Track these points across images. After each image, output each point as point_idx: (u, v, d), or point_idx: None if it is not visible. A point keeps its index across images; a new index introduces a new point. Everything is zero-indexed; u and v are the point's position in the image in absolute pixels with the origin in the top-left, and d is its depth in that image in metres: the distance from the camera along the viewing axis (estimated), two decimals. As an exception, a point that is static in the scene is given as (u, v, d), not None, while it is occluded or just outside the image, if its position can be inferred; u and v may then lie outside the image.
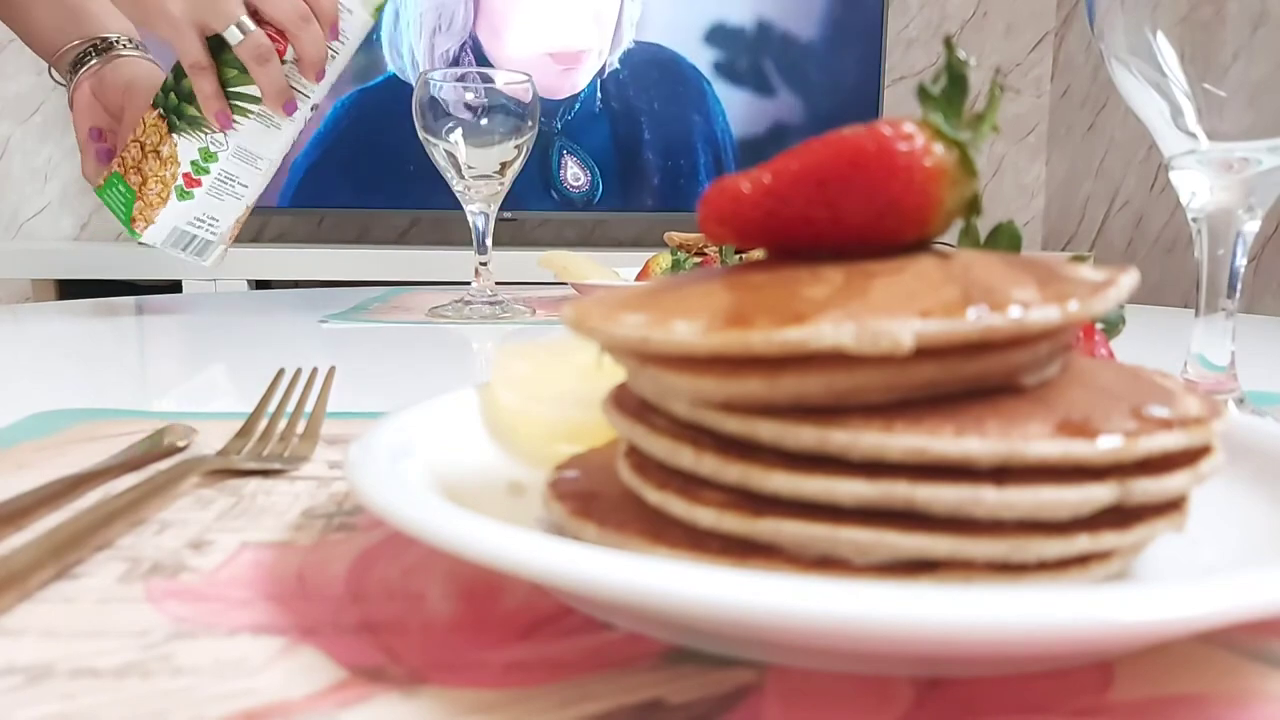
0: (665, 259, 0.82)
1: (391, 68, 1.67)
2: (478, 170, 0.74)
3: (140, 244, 0.71)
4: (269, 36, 0.65)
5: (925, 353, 0.15)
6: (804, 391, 0.16)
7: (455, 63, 1.69)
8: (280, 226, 1.99)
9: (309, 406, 0.34)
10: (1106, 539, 0.16)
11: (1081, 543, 0.16)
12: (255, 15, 0.64)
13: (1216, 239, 0.34)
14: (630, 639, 0.17)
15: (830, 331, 0.15)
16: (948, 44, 0.19)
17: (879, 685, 0.16)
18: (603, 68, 1.76)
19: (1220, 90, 0.32)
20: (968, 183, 0.18)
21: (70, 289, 1.71)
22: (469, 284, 0.78)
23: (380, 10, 0.70)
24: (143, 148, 0.68)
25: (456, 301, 0.78)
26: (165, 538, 0.23)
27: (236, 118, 0.68)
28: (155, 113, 0.68)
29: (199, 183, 0.69)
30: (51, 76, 0.76)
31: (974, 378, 0.16)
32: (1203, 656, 0.17)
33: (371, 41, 1.60)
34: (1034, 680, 0.16)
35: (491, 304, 0.76)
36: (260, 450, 0.30)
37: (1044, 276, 0.17)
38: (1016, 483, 0.15)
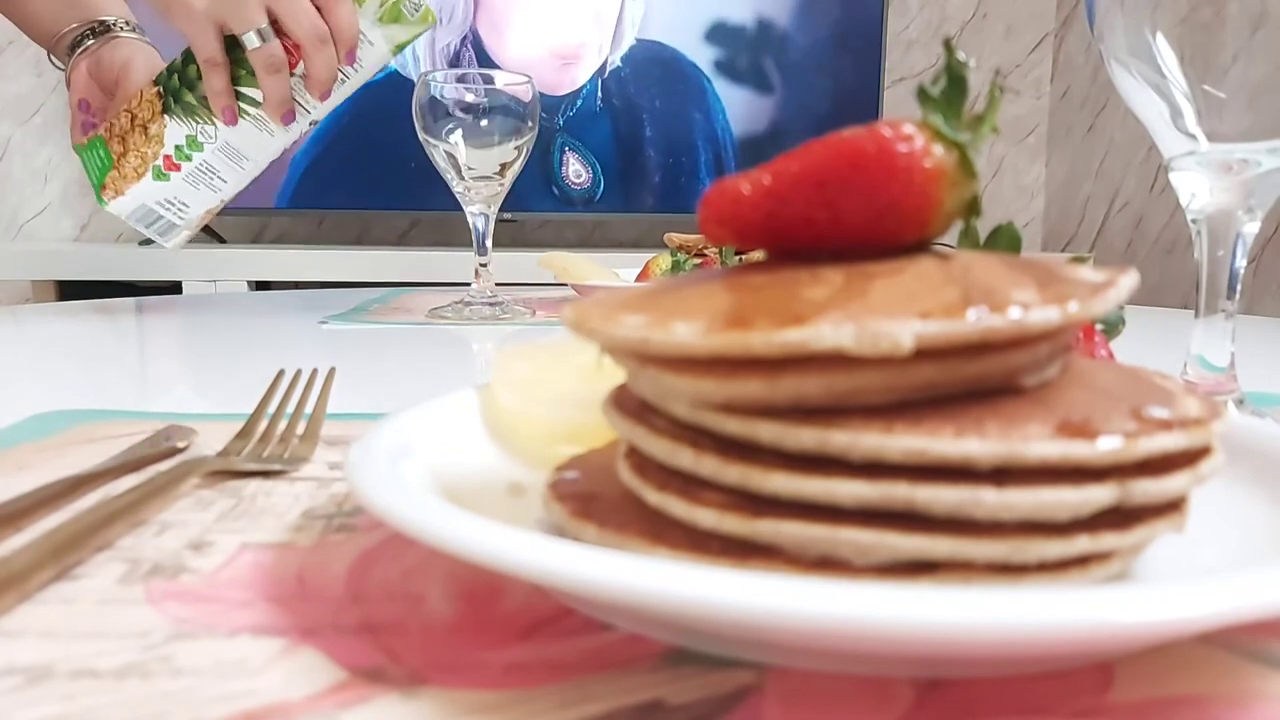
0: (665, 260, 0.82)
1: (392, 64, 1.67)
2: (478, 171, 0.74)
3: (107, 211, 0.70)
4: (285, 48, 0.65)
5: (925, 354, 0.15)
6: (804, 392, 0.16)
7: (455, 58, 1.69)
8: (280, 227, 1.99)
9: (309, 408, 0.34)
10: (1106, 540, 0.16)
11: (1081, 544, 0.16)
12: (275, 24, 0.64)
13: (1216, 240, 0.34)
14: (630, 640, 0.17)
15: (830, 333, 0.15)
16: (947, 45, 0.19)
17: (879, 686, 0.16)
18: (604, 66, 1.76)
19: (1220, 92, 0.32)
20: (967, 184, 0.18)
21: (70, 290, 1.71)
22: (469, 285, 0.78)
23: (401, 49, 0.70)
24: (133, 119, 0.68)
25: (456, 303, 0.78)
26: (165, 539, 0.23)
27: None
28: (155, 89, 0.68)
29: (178, 167, 0.69)
30: (51, 62, 0.76)
31: (974, 379, 0.16)
32: (1203, 657, 0.17)
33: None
34: (1034, 681, 0.16)
35: (491, 305, 0.76)
36: (260, 451, 0.30)
37: (1044, 278, 0.17)
38: (1016, 484, 0.15)
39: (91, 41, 0.73)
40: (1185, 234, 1.63)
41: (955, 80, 0.18)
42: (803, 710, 0.15)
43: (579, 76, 1.76)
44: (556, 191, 1.78)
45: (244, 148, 0.70)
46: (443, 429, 0.25)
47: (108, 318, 0.79)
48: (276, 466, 0.28)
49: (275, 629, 0.18)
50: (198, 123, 0.68)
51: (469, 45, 1.72)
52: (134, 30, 0.75)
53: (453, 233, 1.94)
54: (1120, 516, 0.16)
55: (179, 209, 0.71)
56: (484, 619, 0.18)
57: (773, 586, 0.13)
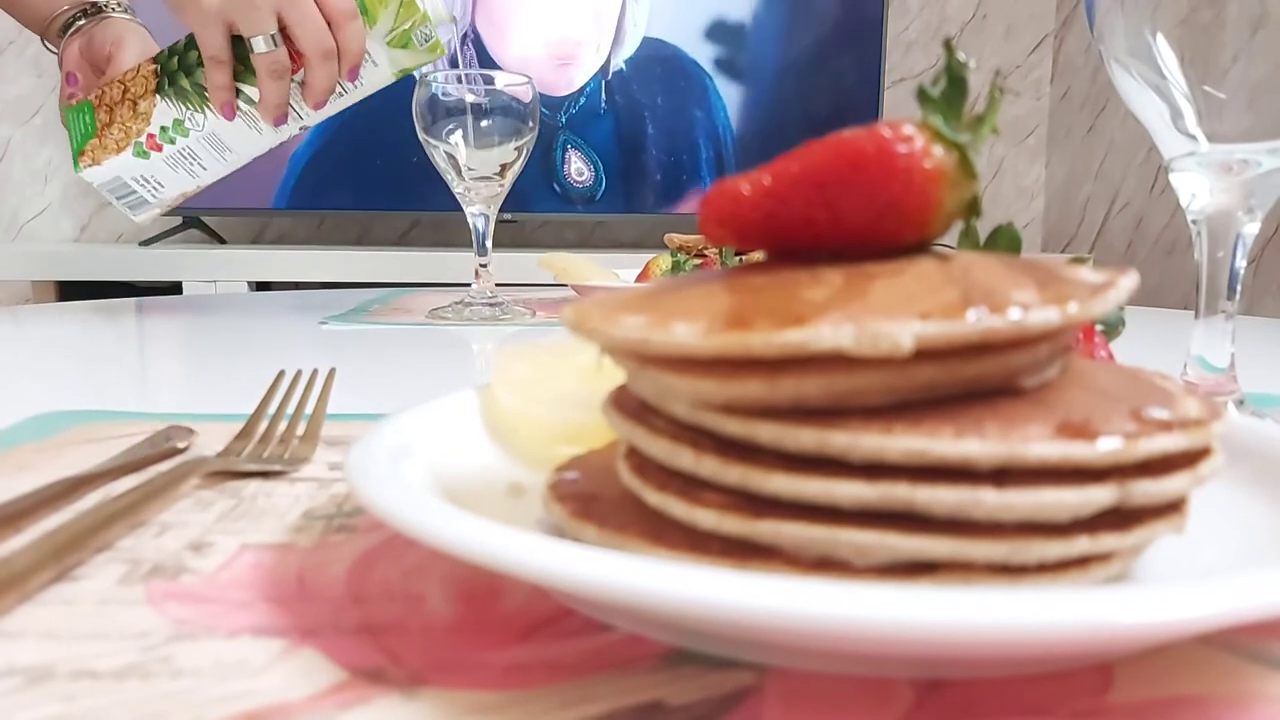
0: (665, 260, 0.82)
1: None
2: (478, 172, 0.74)
3: (83, 179, 0.70)
4: (289, 54, 0.65)
5: (925, 354, 0.15)
6: (804, 393, 0.16)
7: (454, 56, 1.69)
8: (280, 228, 1.99)
9: (309, 408, 0.34)
10: (1106, 541, 0.16)
11: (1081, 544, 0.16)
12: (283, 30, 0.64)
13: (1216, 241, 0.34)
14: (630, 640, 0.17)
15: (830, 333, 0.15)
16: (947, 46, 0.19)
17: (879, 687, 0.16)
18: (606, 65, 1.76)
19: (1220, 92, 0.32)
20: (967, 185, 0.18)
21: (70, 291, 1.71)
22: (469, 285, 0.78)
23: (405, 74, 0.70)
24: (125, 92, 0.68)
25: (456, 303, 0.78)
26: (165, 539, 0.23)
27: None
28: (152, 66, 0.68)
29: (160, 148, 0.68)
30: (45, 45, 0.76)
31: (974, 379, 0.16)
32: (1203, 658, 0.17)
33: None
34: (1034, 682, 0.16)
35: (491, 305, 0.76)
36: (260, 452, 0.30)
37: (1044, 278, 0.17)
38: (1016, 484, 0.15)
39: (84, 21, 0.73)
40: (1185, 235, 1.63)
41: (955, 81, 0.18)
42: (803, 711, 0.15)
43: (577, 77, 1.76)
44: (558, 189, 1.78)
45: (230, 140, 0.69)
46: (443, 430, 0.25)
47: (108, 318, 0.79)
48: (277, 467, 0.28)
49: (275, 630, 0.18)
50: (188, 108, 0.67)
51: (469, 44, 1.72)
52: (125, 11, 0.75)
53: (453, 233, 1.94)
54: (1120, 517, 0.16)
55: (153, 187, 0.71)
56: (484, 620, 0.18)
57: (773, 587, 0.13)
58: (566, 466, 0.22)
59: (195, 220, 1.83)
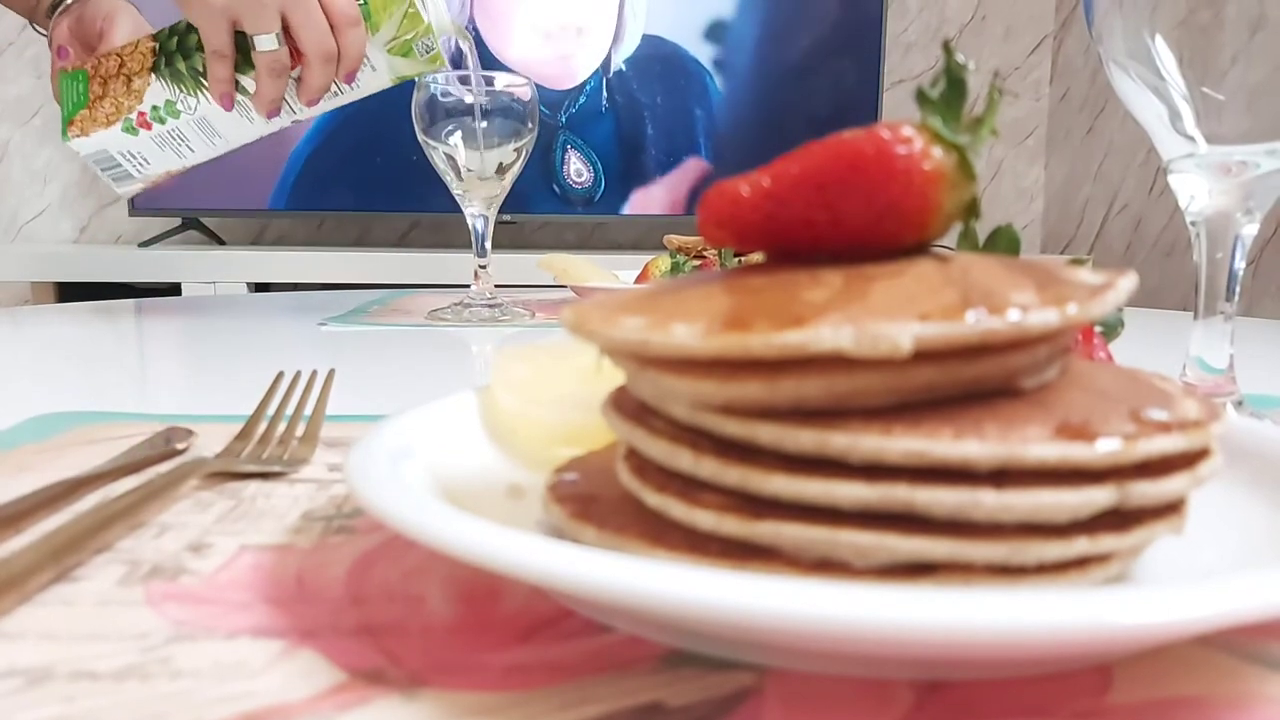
0: (664, 262, 0.82)
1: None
2: (477, 173, 0.74)
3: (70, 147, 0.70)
4: (289, 50, 0.65)
5: (924, 356, 0.15)
6: (803, 394, 0.16)
7: (456, 55, 1.69)
8: (280, 229, 1.99)
9: (308, 409, 0.34)
10: (1105, 542, 0.16)
11: (1080, 545, 0.16)
12: (285, 29, 0.64)
13: (1215, 242, 0.34)
14: (630, 642, 0.17)
15: (829, 334, 0.15)
16: (946, 47, 0.19)
17: (878, 688, 0.16)
18: (607, 63, 1.76)
19: (1219, 94, 0.32)
20: (966, 186, 0.18)
21: (69, 292, 1.71)
22: (468, 287, 0.78)
23: (402, 81, 0.70)
24: (120, 66, 0.67)
25: (456, 304, 0.78)
26: (165, 540, 0.23)
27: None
28: (151, 44, 0.68)
29: (149, 127, 0.68)
30: (34, 29, 0.76)
31: (973, 381, 0.16)
32: (1202, 659, 0.17)
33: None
34: (1033, 683, 0.16)
35: (491, 307, 0.76)
36: (260, 453, 0.30)
37: (1043, 280, 0.17)
38: (1015, 485, 0.15)
39: (71, 1, 0.73)
40: (1184, 236, 1.63)
41: (954, 82, 0.18)
42: (802, 712, 0.15)
43: (578, 71, 1.76)
44: (557, 190, 1.78)
45: (220, 126, 0.69)
46: (442, 431, 0.25)
47: (107, 319, 0.79)
48: (276, 468, 0.28)
49: (274, 631, 0.18)
50: (181, 90, 0.67)
51: (475, 50, 1.72)
52: None
53: (452, 234, 1.94)
54: (1119, 518, 0.16)
55: (139, 163, 0.71)
56: (484, 621, 0.18)
57: (772, 588, 0.13)
58: (566, 468, 0.22)
59: (194, 221, 1.83)
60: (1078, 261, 0.20)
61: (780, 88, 1.81)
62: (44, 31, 0.74)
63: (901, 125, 0.18)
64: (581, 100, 1.76)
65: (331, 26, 0.65)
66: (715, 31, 1.78)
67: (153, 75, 0.67)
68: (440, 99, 0.72)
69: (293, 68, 0.66)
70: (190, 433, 0.32)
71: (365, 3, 0.66)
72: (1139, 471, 0.16)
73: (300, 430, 0.32)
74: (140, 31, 0.70)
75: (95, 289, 1.63)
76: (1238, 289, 0.34)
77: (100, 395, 0.45)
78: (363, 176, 1.75)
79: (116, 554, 0.22)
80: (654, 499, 0.18)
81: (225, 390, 0.47)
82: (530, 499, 0.22)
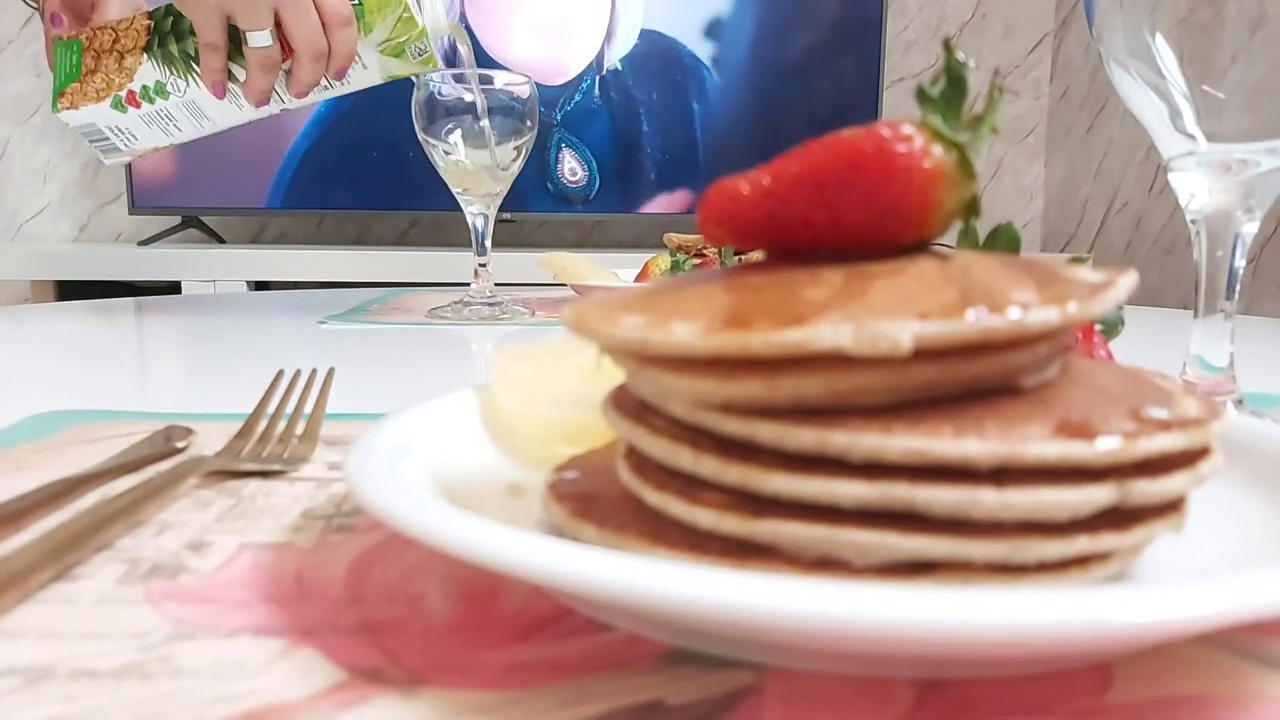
0: (664, 260, 0.82)
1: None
2: (476, 172, 0.73)
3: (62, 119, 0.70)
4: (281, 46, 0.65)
5: (924, 354, 0.15)
6: (803, 393, 0.16)
7: (451, 53, 1.69)
8: (279, 228, 1.99)
9: (308, 408, 0.34)
10: (1105, 540, 0.16)
11: (1080, 544, 0.16)
12: (277, 24, 0.64)
13: (1215, 240, 0.34)
14: (630, 640, 0.17)
15: (829, 333, 0.15)
16: (946, 46, 0.19)
17: (879, 686, 0.16)
18: (601, 60, 1.76)
19: (1219, 92, 0.32)
20: (966, 184, 0.18)
21: (69, 290, 1.71)
22: (468, 285, 0.78)
23: (394, 79, 0.70)
24: (115, 41, 0.68)
25: (456, 303, 0.78)
26: (164, 539, 0.23)
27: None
28: (146, 22, 0.68)
29: (138, 105, 0.69)
30: (26, 2, 0.75)
31: (973, 379, 0.16)
32: (1202, 658, 0.17)
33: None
34: (1033, 681, 0.16)
35: (491, 305, 0.76)
36: (259, 451, 0.30)
37: (1043, 278, 0.17)
38: (1016, 484, 0.15)
39: None
40: (1184, 234, 1.63)
41: (954, 80, 0.18)
42: (803, 711, 0.15)
43: (570, 66, 1.75)
44: (551, 188, 1.78)
45: (209, 110, 0.70)
46: (442, 429, 0.25)
47: (106, 318, 0.79)
48: (276, 467, 0.28)
49: (274, 629, 0.18)
50: (172, 73, 0.67)
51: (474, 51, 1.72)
52: None
53: (452, 233, 1.94)
54: (1119, 517, 0.16)
55: (127, 138, 0.71)
56: (483, 619, 0.18)
57: (772, 587, 0.13)
58: (566, 466, 0.22)
59: (194, 220, 1.83)
60: (1078, 260, 0.20)
61: (780, 85, 1.80)
62: (33, 4, 0.74)
63: (901, 123, 0.18)
64: (577, 98, 1.76)
65: (323, 25, 0.65)
66: (714, 29, 1.78)
67: (145, 55, 0.68)
68: (440, 97, 0.72)
69: (284, 61, 0.66)
70: (190, 431, 0.32)
71: (360, 3, 0.66)
72: (1139, 470, 0.16)
73: (300, 429, 0.32)
74: (134, 6, 0.70)
75: (95, 287, 1.63)
76: (1238, 287, 0.34)
77: (100, 394, 0.45)
78: (362, 175, 1.75)
79: (116, 552, 0.22)
80: (654, 497, 0.18)
81: (225, 389, 0.47)
82: (530, 498, 0.22)
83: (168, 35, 0.67)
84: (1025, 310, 0.15)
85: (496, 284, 0.79)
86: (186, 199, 1.75)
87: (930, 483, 0.15)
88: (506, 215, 1.72)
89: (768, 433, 0.16)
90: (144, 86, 0.68)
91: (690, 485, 0.17)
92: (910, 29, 2.03)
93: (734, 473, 0.16)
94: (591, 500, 0.19)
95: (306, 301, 0.96)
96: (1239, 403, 0.35)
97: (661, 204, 1.82)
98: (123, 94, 0.68)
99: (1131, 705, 0.15)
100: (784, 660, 0.16)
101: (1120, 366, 0.21)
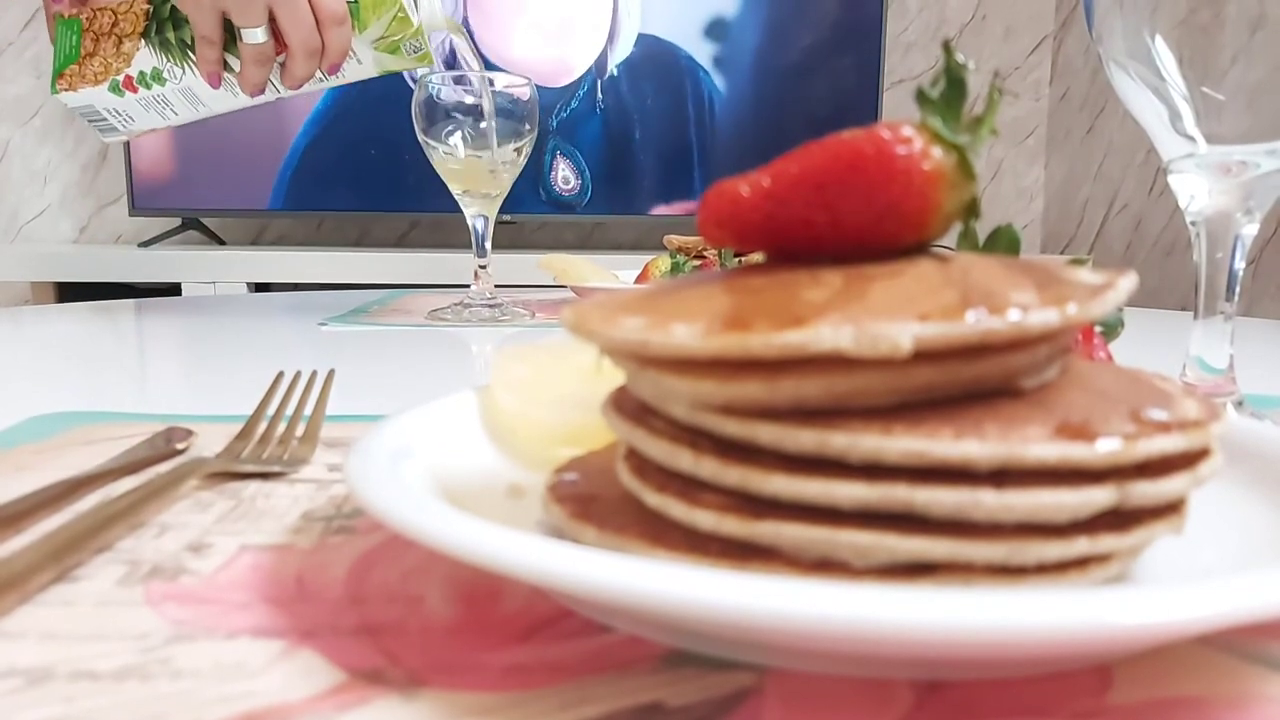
0: (664, 262, 0.82)
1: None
2: (477, 172, 0.74)
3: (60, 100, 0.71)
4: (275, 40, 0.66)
5: (924, 356, 0.15)
6: (803, 394, 0.16)
7: (452, 56, 1.70)
8: (279, 229, 1.99)
9: (308, 409, 0.34)
10: (1105, 542, 0.16)
11: (1080, 545, 0.16)
12: (271, 20, 0.65)
13: (1215, 242, 0.34)
14: (630, 642, 0.17)
15: (829, 334, 0.15)
16: (946, 47, 0.19)
17: (878, 688, 0.16)
18: (603, 63, 1.76)
19: (1219, 94, 0.32)
20: (966, 186, 0.18)
21: (69, 292, 1.71)
22: (468, 287, 0.78)
23: (389, 74, 0.71)
24: (114, 24, 0.68)
25: (456, 304, 0.78)
26: (165, 540, 0.23)
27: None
28: (146, 6, 0.68)
29: (135, 90, 0.69)
30: None
31: (973, 381, 0.16)
32: (1202, 659, 0.17)
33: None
34: (1033, 683, 0.16)
35: (491, 307, 0.76)
36: (260, 453, 0.30)
37: (1043, 280, 0.17)
38: (1015, 485, 0.15)
39: None
40: (1184, 236, 1.63)
41: (954, 82, 0.18)
42: (802, 712, 0.15)
43: (575, 68, 1.75)
44: (543, 195, 1.78)
45: (204, 96, 0.70)
46: (442, 431, 0.25)
47: (107, 319, 0.79)
48: (276, 468, 0.28)
49: (274, 631, 0.18)
50: (169, 60, 0.68)
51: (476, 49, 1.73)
52: None
53: (452, 234, 1.94)
54: (1119, 518, 0.16)
55: (125, 119, 0.72)
56: (483, 621, 0.18)
57: (772, 588, 0.13)
58: (566, 468, 0.22)
59: (194, 221, 1.83)
60: (1078, 261, 0.20)
61: (779, 87, 1.80)
62: None
63: (901, 125, 0.18)
64: (574, 105, 1.76)
65: (318, 22, 0.65)
66: (714, 30, 1.78)
67: (143, 41, 0.68)
68: (439, 99, 0.72)
69: (278, 55, 0.66)
70: (190, 433, 0.32)
71: (355, 1, 0.66)
72: (1139, 471, 0.16)
73: (300, 430, 0.32)
74: None
75: (95, 289, 1.63)
76: (1238, 289, 0.34)
77: (100, 395, 0.45)
78: (362, 176, 1.75)
79: (116, 554, 0.22)
80: (654, 499, 0.18)
81: (225, 390, 0.47)
82: (530, 499, 0.22)
83: (165, 22, 0.68)
84: (1025, 312, 0.15)
85: (496, 286, 0.79)
86: (187, 200, 1.75)
87: (930, 484, 0.15)
88: (506, 217, 1.72)
89: (768, 434, 0.16)
90: (141, 72, 0.69)
91: (690, 487, 0.17)
92: (910, 30, 2.03)
93: (734, 474, 0.16)
94: (591, 502, 0.19)
95: (307, 303, 0.96)
96: (1239, 404, 0.35)
97: (661, 206, 1.82)
98: (120, 78, 0.69)
99: (1131, 706, 0.15)
100: (784, 662, 0.16)
101: (1120, 368, 0.21)
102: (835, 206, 0.18)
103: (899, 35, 2.01)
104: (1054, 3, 2.06)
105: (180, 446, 0.31)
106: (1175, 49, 0.32)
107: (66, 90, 0.69)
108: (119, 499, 0.23)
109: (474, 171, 0.73)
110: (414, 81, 0.72)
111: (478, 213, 0.76)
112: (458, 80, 0.72)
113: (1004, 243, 0.22)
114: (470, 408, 0.27)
